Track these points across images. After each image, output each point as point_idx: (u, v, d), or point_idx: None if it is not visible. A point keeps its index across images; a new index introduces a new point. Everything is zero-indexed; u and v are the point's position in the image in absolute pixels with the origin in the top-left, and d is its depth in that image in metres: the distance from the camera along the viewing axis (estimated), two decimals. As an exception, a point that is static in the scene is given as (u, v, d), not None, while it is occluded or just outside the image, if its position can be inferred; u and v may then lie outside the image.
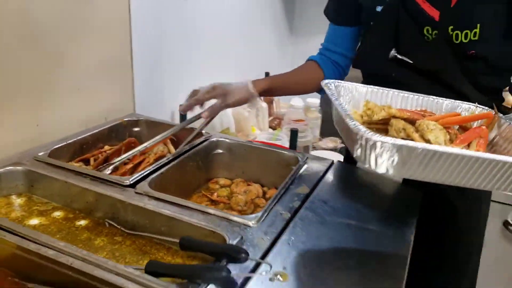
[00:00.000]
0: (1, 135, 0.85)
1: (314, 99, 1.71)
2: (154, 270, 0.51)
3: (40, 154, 0.82)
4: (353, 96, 0.80)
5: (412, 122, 0.66)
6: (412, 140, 0.62)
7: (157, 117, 1.11)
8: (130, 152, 0.89)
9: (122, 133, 1.05)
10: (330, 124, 0.77)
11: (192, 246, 0.59)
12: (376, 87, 0.81)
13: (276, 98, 1.82)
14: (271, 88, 0.99)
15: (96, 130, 0.99)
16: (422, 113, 0.73)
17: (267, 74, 2.02)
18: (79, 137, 0.93)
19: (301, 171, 0.87)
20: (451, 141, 0.64)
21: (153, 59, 1.25)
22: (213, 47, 1.59)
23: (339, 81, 0.79)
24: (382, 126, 0.69)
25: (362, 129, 0.55)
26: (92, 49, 1.02)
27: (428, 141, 0.61)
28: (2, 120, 0.85)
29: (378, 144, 0.53)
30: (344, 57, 1.04)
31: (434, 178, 0.55)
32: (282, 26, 2.24)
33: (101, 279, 0.50)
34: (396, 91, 0.80)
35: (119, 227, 0.68)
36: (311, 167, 0.90)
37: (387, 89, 0.80)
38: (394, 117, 0.67)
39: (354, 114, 0.70)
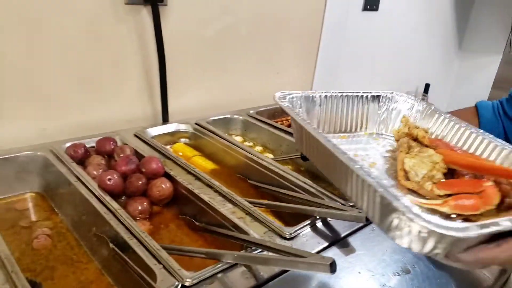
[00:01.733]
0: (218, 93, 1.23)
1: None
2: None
3: (251, 111, 1.18)
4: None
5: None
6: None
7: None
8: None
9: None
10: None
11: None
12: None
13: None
14: None
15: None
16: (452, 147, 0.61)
17: (427, 85, 2.13)
18: (270, 108, 1.26)
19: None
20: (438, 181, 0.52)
21: (335, 55, 1.53)
22: (386, 55, 1.79)
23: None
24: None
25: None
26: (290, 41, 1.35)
27: (402, 163, 0.55)
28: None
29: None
30: None
31: None
32: (450, 41, 2.30)
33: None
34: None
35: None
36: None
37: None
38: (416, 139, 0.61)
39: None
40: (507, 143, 0.57)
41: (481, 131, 0.61)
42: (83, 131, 0.93)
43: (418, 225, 0.38)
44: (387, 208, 0.42)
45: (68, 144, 0.84)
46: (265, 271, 0.56)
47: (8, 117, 0.86)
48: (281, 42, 1.32)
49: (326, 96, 0.72)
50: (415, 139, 0.62)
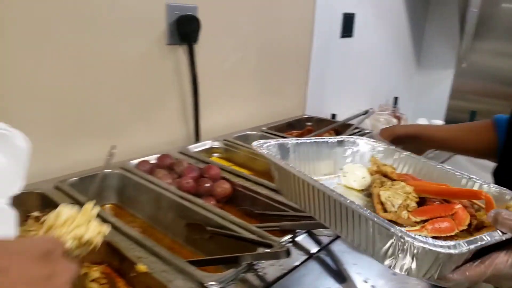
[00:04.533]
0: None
1: (438, 121, 2.08)
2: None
3: (263, 127, 1.39)
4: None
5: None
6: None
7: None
8: (312, 134, 1.42)
9: (300, 125, 1.60)
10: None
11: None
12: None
13: (404, 117, 2.23)
14: (416, 135, 0.89)
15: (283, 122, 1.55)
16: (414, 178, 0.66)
17: (395, 98, 2.45)
18: (276, 124, 1.48)
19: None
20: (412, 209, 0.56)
21: (322, 72, 1.79)
22: (362, 70, 2.09)
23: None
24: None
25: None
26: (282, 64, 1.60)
27: (378, 196, 0.59)
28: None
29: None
30: None
31: None
32: (410, 59, 2.65)
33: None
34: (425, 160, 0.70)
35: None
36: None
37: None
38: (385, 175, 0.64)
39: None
40: (461, 172, 0.64)
41: (439, 164, 0.67)
42: (136, 152, 1.11)
43: (417, 246, 0.42)
44: (383, 235, 0.46)
45: (135, 162, 1.02)
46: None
47: (80, 143, 1.02)
48: (280, 69, 1.56)
49: (297, 143, 0.73)
50: (385, 175, 0.65)
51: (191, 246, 0.82)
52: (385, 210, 0.58)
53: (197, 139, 1.27)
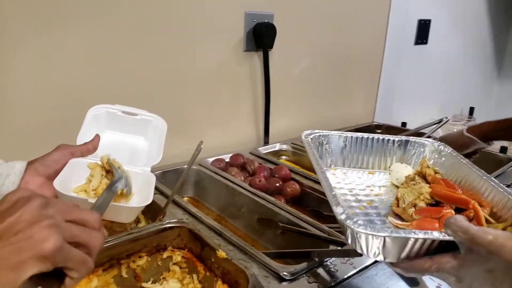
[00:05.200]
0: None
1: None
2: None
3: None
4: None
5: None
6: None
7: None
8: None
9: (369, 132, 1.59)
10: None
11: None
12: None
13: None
14: (494, 132, 0.93)
15: (351, 128, 1.55)
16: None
17: (471, 108, 2.32)
18: (344, 130, 1.50)
19: None
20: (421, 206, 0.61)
21: (393, 79, 1.76)
22: (435, 78, 2.02)
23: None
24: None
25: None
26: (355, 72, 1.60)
27: (398, 192, 0.66)
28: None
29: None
30: None
31: None
32: (489, 66, 2.50)
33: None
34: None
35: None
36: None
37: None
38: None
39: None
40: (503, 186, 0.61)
41: (487, 175, 0.64)
42: (210, 151, 1.18)
43: (349, 228, 0.50)
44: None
45: (210, 159, 1.09)
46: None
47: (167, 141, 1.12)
48: (350, 75, 1.57)
49: (352, 138, 0.80)
50: (423, 177, 0.68)
51: (261, 240, 0.87)
52: (398, 205, 0.63)
53: (266, 141, 1.32)
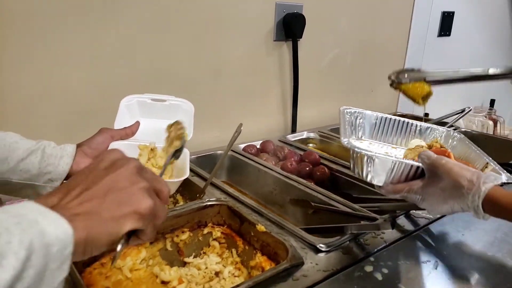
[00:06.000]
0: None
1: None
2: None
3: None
4: None
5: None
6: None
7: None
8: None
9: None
10: None
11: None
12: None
13: (501, 120, 2.12)
14: None
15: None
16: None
17: (492, 101, 2.32)
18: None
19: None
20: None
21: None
22: (457, 66, 2.03)
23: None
24: None
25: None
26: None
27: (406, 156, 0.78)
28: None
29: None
30: None
31: None
32: (509, 60, 2.48)
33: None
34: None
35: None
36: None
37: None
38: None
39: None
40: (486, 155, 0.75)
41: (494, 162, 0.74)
42: (242, 137, 1.23)
43: (362, 154, 0.68)
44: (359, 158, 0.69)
45: (242, 145, 1.15)
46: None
47: (196, 127, 1.18)
48: (374, 66, 1.60)
49: (385, 118, 0.91)
50: (430, 148, 0.82)
51: (293, 219, 0.92)
52: None
53: (294, 129, 1.37)
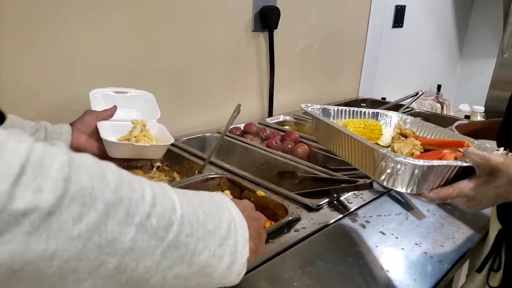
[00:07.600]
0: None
1: (479, 106, 2.21)
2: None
3: (326, 105, 1.60)
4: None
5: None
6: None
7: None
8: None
9: (355, 106, 1.79)
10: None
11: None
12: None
13: (447, 103, 2.37)
14: (483, 132, 1.01)
15: (340, 102, 1.75)
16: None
17: (439, 86, 2.58)
18: (335, 104, 1.69)
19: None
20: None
21: (374, 59, 1.97)
22: (409, 58, 2.25)
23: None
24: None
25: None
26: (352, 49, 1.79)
27: (393, 147, 0.76)
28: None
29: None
30: None
31: None
32: (453, 49, 2.77)
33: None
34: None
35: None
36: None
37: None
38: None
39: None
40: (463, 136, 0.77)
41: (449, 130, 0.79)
42: (225, 121, 1.34)
43: (398, 162, 0.59)
44: (376, 157, 0.62)
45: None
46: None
47: (184, 113, 1.27)
48: (339, 55, 1.76)
49: (339, 110, 0.93)
50: (404, 136, 0.84)
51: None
52: None
53: (271, 113, 1.50)
